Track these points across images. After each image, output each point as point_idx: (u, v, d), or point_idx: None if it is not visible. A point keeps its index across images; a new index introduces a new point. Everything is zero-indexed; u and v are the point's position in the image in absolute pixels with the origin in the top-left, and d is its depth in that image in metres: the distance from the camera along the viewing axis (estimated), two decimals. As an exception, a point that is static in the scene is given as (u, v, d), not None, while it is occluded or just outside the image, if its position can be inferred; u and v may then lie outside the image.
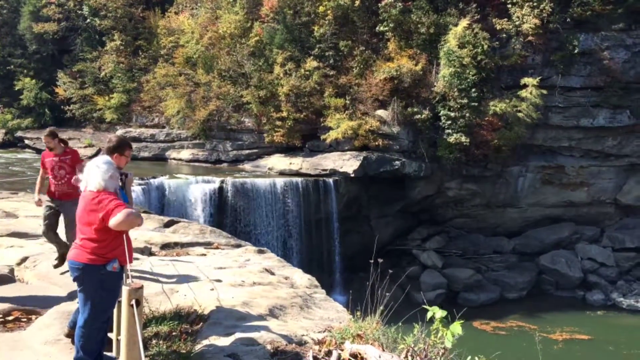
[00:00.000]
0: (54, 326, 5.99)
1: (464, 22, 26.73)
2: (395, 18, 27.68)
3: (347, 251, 26.52)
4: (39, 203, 8.79)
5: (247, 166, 29.25)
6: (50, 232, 8.23)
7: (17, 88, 36.34)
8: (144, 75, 33.89)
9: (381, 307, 6.39)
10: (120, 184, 5.50)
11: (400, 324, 6.05)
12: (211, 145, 30.74)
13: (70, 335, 5.53)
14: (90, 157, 24.33)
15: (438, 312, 4.75)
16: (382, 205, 28.03)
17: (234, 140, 30.41)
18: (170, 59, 33.15)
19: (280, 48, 29.07)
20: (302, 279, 8.44)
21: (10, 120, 36.51)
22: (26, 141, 35.53)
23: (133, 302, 3.22)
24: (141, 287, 3.35)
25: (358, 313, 6.56)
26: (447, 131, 26.49)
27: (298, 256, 24.83)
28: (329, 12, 28.70)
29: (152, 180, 22.59)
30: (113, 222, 4.78)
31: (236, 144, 30.30)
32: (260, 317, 6.41)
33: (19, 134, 36.15)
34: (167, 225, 12.43)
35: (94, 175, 4.95)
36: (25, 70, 37.19)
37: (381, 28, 28.25)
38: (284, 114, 27.98)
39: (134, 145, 23.39)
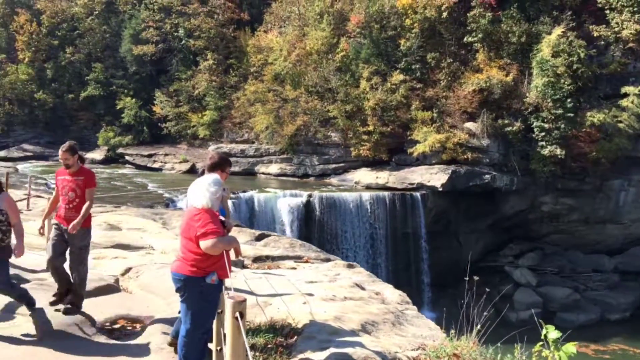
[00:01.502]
0: (157, 335, 6.25)
1: (557, 30, 25.74)
2: (484, 28, 27.11)
3: (435, 267, 26.02)
4: (41, 231, 7.23)
5: (334, 180, 29.47)
6: (56, 260, 6.62)
7: (118, 107, 38.72)
8: (235, 93, 35.09)
9: (478, 326, 6.21)
10: (219, 199, 5.66)
11: (499, 344, 5.84)
12: (298, 159, 31.27)
13: (173, 344, 5.76)
14: (187, 172, 25.00)
15: (552, 332, 4.12)
16: (471, 220, 27.31)
17: (321, 154, 30.78)
18: (260, 76, 34.13)
19: (367, 62, 29.21)
20: (393, 294, 8.35)
21: (112, 138, 38.85)
22: (126, 157, 37.66)
23: (237, 314, 3.31)
24: (244, 300, 3.45)
25: (452, 331, 6.40)
26: (540, 143, 25.51)
27: (385, 271, 24.63)
28: (415, 25, 28.56)
29: (242, 194, 23.26)
30: (203, 245, 4.97)
31: (323, 158, 30.65)
32: (353, 333, 6.38)
33: (120, 150, 38.38)
34: (259, 238, 12.72)
35: (202, 194, 5.13)
36: (126, 90, 39.54)
37: (469, 39, 27.75)
38: (370, 128, 28.03)
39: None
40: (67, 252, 6.72)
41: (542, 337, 4.36)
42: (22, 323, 6.45)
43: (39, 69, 42.67)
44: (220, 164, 6.05)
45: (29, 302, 6.50)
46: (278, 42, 33.49)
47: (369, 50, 29.24)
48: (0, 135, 43.19)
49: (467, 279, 6.36)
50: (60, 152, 6.64)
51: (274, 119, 31.68)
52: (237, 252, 5.58)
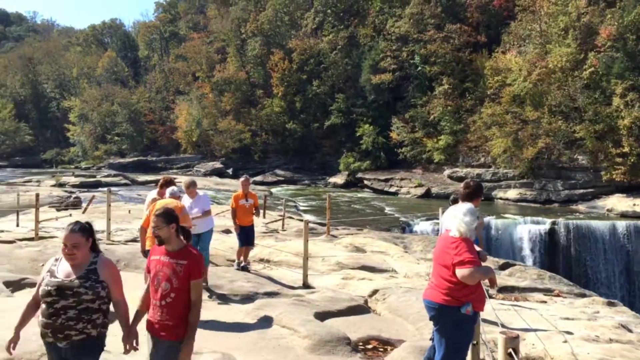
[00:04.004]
0: (409, 359, 6.35)
1: None
2: None
3: None
4: (130, 347, 4.09)
5: (581, 207, 27.15)
6: None
7: (358, 134, 41.00)
8: (470, 116, 34.64)
9: None
10: (473, 227, 5.59)
11: None
12: (540, 184, 29.53)
13: (425, 369, 5.79)
14: (421, 197, 25.07)
15: None
16: None
17: (566, 179, 28.69)
18: (497, 98, 33.18)
19: (620, 78, 26.58)
20: (669, 341, 7.30)
21: (352, 163, 41.17)
22: (365, 181, 39.51)
23: (510, 350, 3.22)
24: (517, 337, 3.34)
25: None
26: None
27: (646, 311, 21.71)
28: (683, 31, 25.14)
29: (479, 220, 22.65)
30: (459, 274, 4.91)
31: (568, 183, 28.51)
32: (624, 381, 5.74)
33: (359, 175, 40.44)
34: (503, 267, 12.23)
35: (459, 223, 5.14)
36: (364, 118, 41.71)
37: None
38: (626, 149, 25.39)
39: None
40: None
41: None
42: (287, 335, 7.09)
43: (289, 101, 47.42)
44: (477, 193, 5.99)
45: None
46: (517, 62, 32.25)
47: (623, 64, 26.57)
48: (257, 162, 48.93)
49: None
50: (152, 218, 4.30)
51: (513, 142, 30.45)
52: (493, 283, 5.45)
